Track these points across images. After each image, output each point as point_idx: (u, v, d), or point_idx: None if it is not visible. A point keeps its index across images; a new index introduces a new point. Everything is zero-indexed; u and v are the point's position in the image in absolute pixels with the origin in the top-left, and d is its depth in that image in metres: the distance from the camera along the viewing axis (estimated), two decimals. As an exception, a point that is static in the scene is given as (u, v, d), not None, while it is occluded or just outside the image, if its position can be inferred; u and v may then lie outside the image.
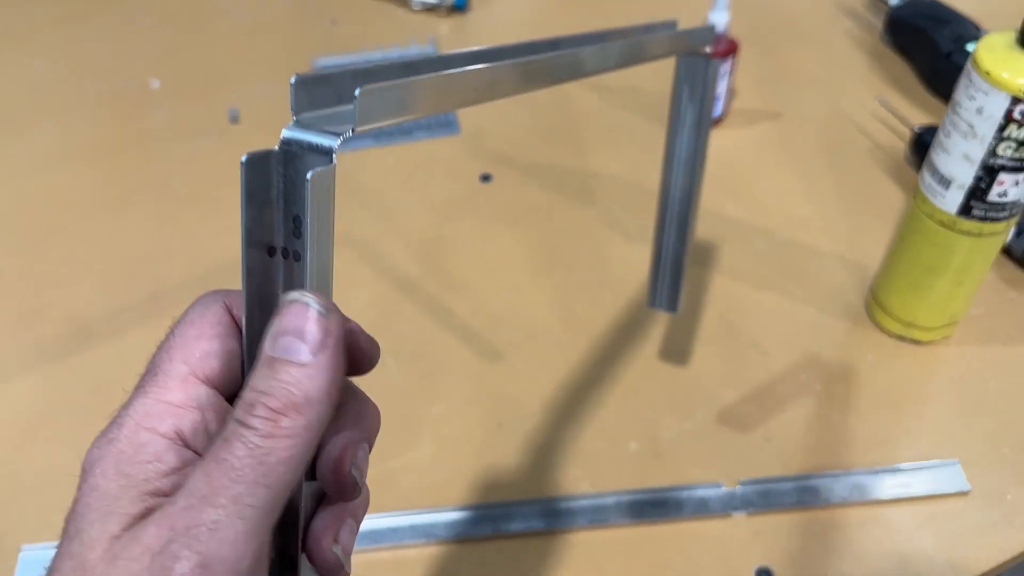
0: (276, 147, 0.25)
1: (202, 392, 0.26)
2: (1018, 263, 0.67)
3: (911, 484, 0.55)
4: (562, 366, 0.62)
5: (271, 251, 0.26)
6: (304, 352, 0.24)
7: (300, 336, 0.24)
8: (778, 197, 0.74)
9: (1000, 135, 0.49)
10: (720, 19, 0.73)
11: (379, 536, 0.53)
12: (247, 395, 0.23)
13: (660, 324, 0.65)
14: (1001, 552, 0.52)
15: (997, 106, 0.49)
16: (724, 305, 0.66)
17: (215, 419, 0.26)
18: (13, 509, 0.54)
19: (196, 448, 0.25)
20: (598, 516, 0.54)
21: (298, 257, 0.26)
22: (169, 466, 0.24)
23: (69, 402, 0.60)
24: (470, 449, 0.57)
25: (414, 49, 0.89)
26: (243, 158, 0.24)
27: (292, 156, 0.25)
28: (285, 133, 0.25)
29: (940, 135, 0.53)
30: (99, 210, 0.74)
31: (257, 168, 0.25)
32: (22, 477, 0.56)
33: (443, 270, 0.69)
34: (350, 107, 0.25)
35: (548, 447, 0.58)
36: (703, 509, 0.54)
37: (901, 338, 0.62)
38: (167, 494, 0.23)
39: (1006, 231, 0.55)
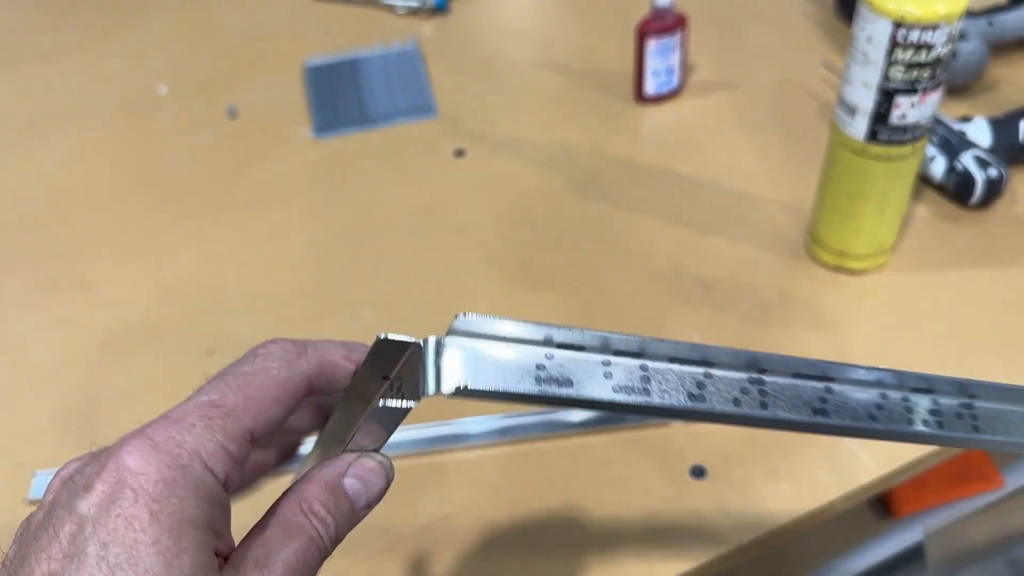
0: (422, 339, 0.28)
1: (247, 455, 0.27)
2: (950, 198, 0.72)
3: (838, 391, 0.59)
4: (524, 312, 0.68)
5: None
6: (362, 503, 0.30)
7: (368, 490, 0.30)
8: (728, 156, 0.79)
9: (889, 59, 0.55)
10: (664, -6, 0.79)
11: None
12: (308, 497, 0.28)
13: (613, 268, 0.70)
14: (918, 448, 0.56)
15: (883, 32, 0.54)
16: (673, 249, 0.71)
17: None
18: (29, 438, 0.61)
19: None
20: (549, 428, 0.59)
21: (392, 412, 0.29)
22: (224, 514, 0.26)
23: (81, 354, 0.67)
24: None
25: (396, 47, 0.97)
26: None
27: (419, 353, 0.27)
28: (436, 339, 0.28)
29: (844, 69, 0.59)
30: (112, 199, 0.82)
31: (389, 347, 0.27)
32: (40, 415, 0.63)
33: (420, 235, 0.75)
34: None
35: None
36: (644, 419, 0.59)
37: (836, 268, 0.67)
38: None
39: (915, 155, 0.60)
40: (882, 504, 0.95)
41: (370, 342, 0.28)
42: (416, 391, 0.28)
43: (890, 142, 0.58)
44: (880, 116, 0.57)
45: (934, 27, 0.53)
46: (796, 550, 0.97)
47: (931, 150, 0.71)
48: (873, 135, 0.58)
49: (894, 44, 0.54)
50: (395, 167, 0.82)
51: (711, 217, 0.74)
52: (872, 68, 0.56)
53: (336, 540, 0.28)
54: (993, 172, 0.68)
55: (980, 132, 0.72)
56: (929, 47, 0.54)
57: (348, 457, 0.30)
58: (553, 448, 0.58)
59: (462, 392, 0.27)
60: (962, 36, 0.80)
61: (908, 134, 0.58)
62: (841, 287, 0.66)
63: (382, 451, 0.31)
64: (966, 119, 0.74)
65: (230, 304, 0.70)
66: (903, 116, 0.57)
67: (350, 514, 0.29)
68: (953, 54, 0.55)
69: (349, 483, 0.29)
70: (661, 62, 0.83)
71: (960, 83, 0.80)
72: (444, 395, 0.28)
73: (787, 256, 0.69)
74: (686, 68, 0.89)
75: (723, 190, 0.76)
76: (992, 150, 0.71)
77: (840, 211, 0.64)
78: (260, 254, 0.75)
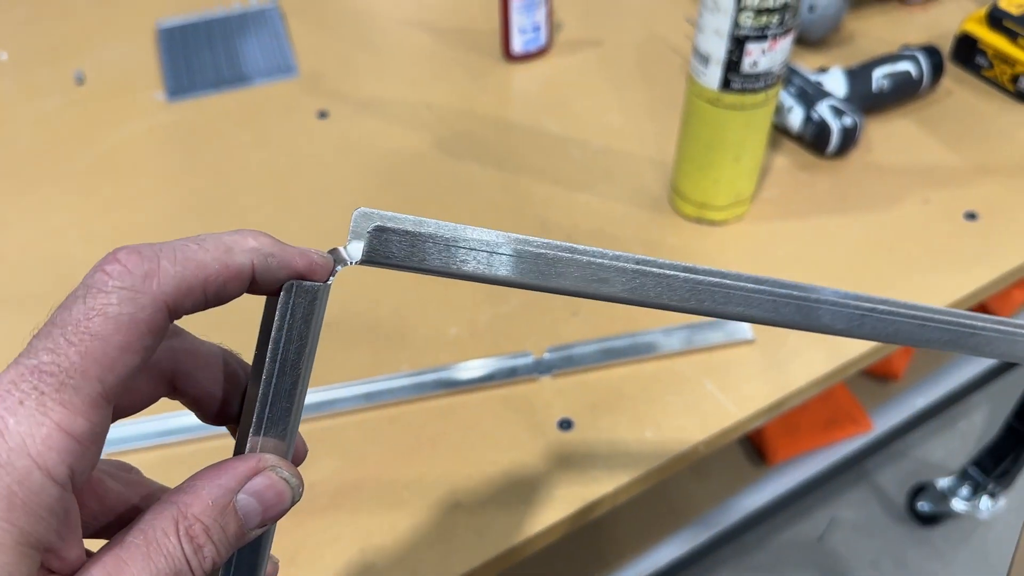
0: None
1: (106, 424, 0.21)
2: (808, 147, 0.73)
3: (702, 338, 0.60)
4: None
5: None
6: (254, 523, 0.24)
7: (266, 512, 0.24)
8: (595, 113, 0.79)
9: (739, 5, 0.55)
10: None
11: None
12: (191, 513, 0.23)
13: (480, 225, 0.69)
14: (780, 389, 0.57)
15: (731, -21, 0.54)
16: (541, 206, 0.70)
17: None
18: None
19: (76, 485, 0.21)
20: (416, 390, 0.57)
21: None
22: (58, 521, 0.21)
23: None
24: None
25: (255, 6, 0.92)
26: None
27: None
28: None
29: (699, 17, 0.59)
30: (-61, 168, 0.75)
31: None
32: None
33: (282, 197, 0.72)
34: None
35: (376, 337, 0.61)
36: (512, 375, 0.58)
37: (699, 220, 0.68)
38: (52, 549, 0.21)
39: (767, 103, 0.61)
40: (758, 453, 0.99)
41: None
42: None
43: (743, 90, 0.59)
44: (732, 64, 0.58)
45: (779, -27, 0.53)
46: (678, 498, 0.99)
47: (788, 101, 0.73)
48: (726, 83, 0.59)
49: (742, -10, 0.54)
50: (254, 130, 0.79)
51: (579, 174, 0.73)
52: (723, 16, 0.56)
53: (211, 572, 0.23)
54: (848, 120, 0.70)
55: (836, 82, 0.74)
56: (776, -7, 0.54)
57: (247, 463, 0.24)
58: (420, 410, 0.57)
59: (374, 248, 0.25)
60: (817, -9, 0.82)
61: (760, 81, 0.59)
62: (703, 238, 0.67)
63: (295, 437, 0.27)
64: (823, 70, 0.76)
65: (75, 278, 0.66)
66: (755, 64, 0.58)
67: (236, 538, 0.24)
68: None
69: (242, 501, 0.24)
70: (527, 19, 0.82)
71: (818, 36, 0.82)
72: (355, 261, 0.26)
73: (652, 210, 0.69)
74: (553, 26, 0.88)
75: (591, 147, 0.76)
76: (848, 99, 0.73)
77: (698, 163, 0.64)
78: (108, 223, 0.70)
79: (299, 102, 0.81)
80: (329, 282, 0.25)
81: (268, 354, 0.25)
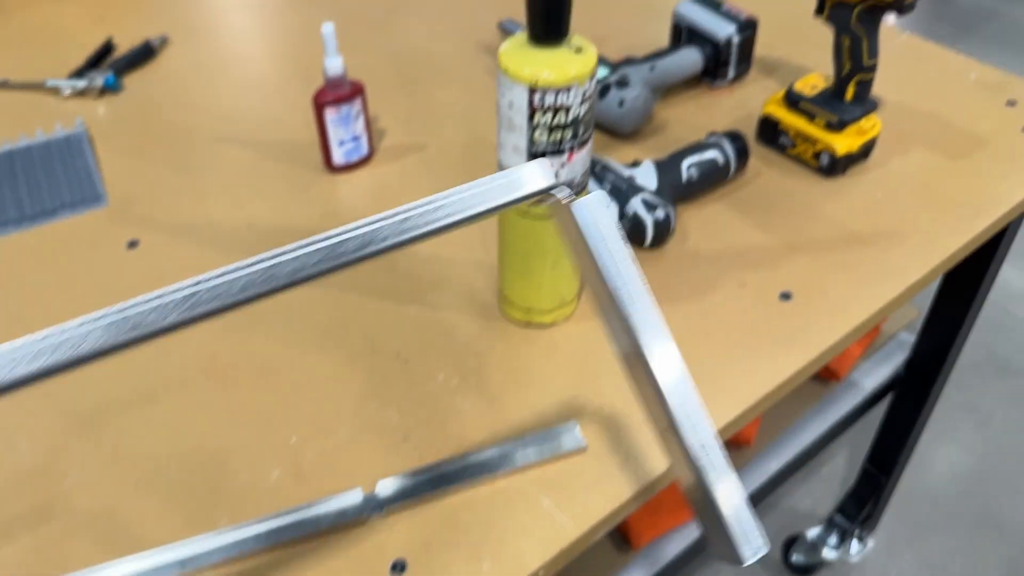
0: None
1: None
2: (627, 239, 0.75)
3: (535, 452, 0.58)
4: (209, 412, 0.62)
5: None
6: None
7: None
8: (422, 219, 0.78)
9: (532, 123, 0.55)
10: (334, 65, 0.77)
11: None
12: None
13: (306, 353, 0.66)
14: (616, 498, 0.57)
15: (521, 98, 0.55)
16: (370, 324, 0.68)
17: None
18: None
19: None
20: (234, 549, 0.53)
21: None
22: None
23: None
24: (106, 506, 0.56)
25: (61, 133, 0.88)
26: None
27: None
28: None
29: (497, 134, 0.59)
30: None
31: None
32: None
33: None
34: None
35: (189, 490, 0.57)
36: (342, 518, 0.55)
37: (527, 324, 0.67)
38: None
39: (575, 210, 0.61)
40: (623, 538, 0.98)
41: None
42: None
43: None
44: (535, 177, 0.58)
45: (568, 88, 0.54)
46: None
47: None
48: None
49: (533, 109, 0.55)
50: (57, 268, 0.74)
51: (408, 285, 0.72)
52: (518, 133, 0.56)
53: None
54: (660, 214, 0.72)
55: (648, 176, 0.76)
56: (567, 108, 0.55)
57: None
58: (242, 572, 0.53)
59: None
60: (626, 83, 0.85)
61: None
62: (532, 342, 0.67)
63: None
64: (635, 164, 0.78)
65: None
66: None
67: None
68: (591, 112, 0.56)
69: None
70: (345, 131, 0.80)
71: (629, 129, 0.85)
72: None
73: (482, 317, 0.69)
74: (376, 133, 0.87)
75: (419, 256, 0.74)
76: (658, 192, 0.75)
77: (518, 270, 0.64)
78: None
79: (107, 233, 0.77)
80: None
81: None
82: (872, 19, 0.73)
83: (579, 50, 0.55)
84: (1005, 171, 0.81)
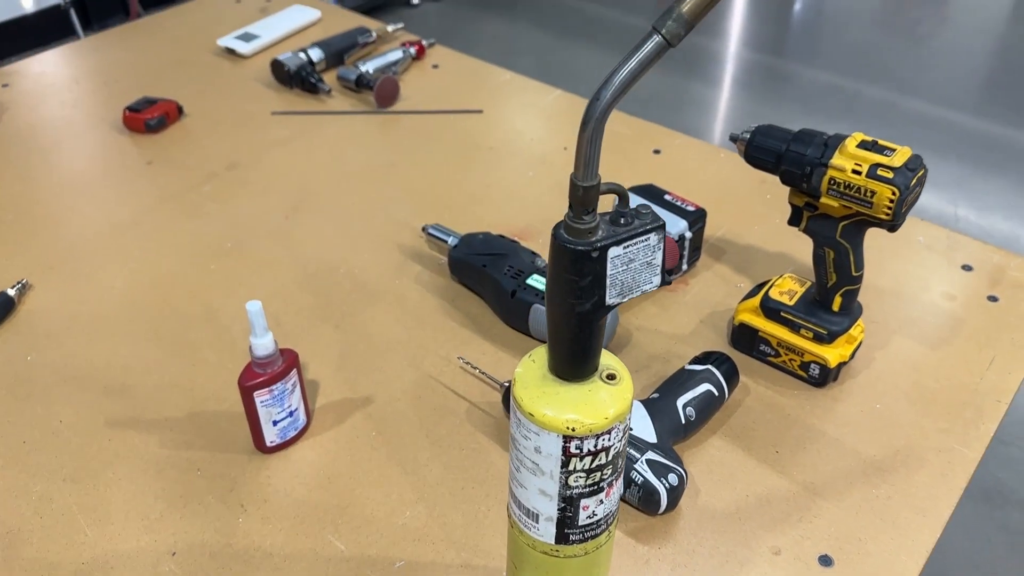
0: None
1: None
2: (636, 508, 0.65)
3: None
4: None
5: None
6: None
7: None
8: (386, 505, 0.66)
9: (566, 470, 0.45)
10: (264, 344, 0.64)
11: None
12: None
13: None
14: None
15: (554, 446, 0.44)
16: None
17: None
18: None
19: None
20: None
21: None
22: None
23: None
24: None
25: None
26: None
27: None
28: None
29: (512, 467, 0.48)
30: None
31: None
32: None
33: None
34: None
35: None
36: None
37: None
38: None
39: (610, 538, 0.51)
40: None
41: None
42: None
43: (583, 540, 0.49)
44: (567, 520, 0.48)
45: (608, 431, 0.44)
46: None
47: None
48: (564, 538, 0.49)
49: (568, 456, 0.45)
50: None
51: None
52: (548, 478, 0.46)
53: None
54: (673, 479, 0.62)
55: (640, 421, 0.66)
56: (607, 449, 0.45)
57: None
58: None
59: None
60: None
61: (601, 526, 0.49)
62: None
63: None
64: (623, 407, 0.69)
65: None
66: (592, 515, 0.48)
67: None
68: (627, 438, 0.46)
69: None
70: (280, 410, 0.67)
71: (601, 355, 0.76)
72: None
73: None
74: (309, 399, 0.74)
75: (391, 567, 0.61)
76: (659, 442, 0.65)
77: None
78: None
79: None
80: None
81: None
82: (858, 231, 0.68)
83: (611, 377, 0.45)
84: (989, 355, 0.78)
